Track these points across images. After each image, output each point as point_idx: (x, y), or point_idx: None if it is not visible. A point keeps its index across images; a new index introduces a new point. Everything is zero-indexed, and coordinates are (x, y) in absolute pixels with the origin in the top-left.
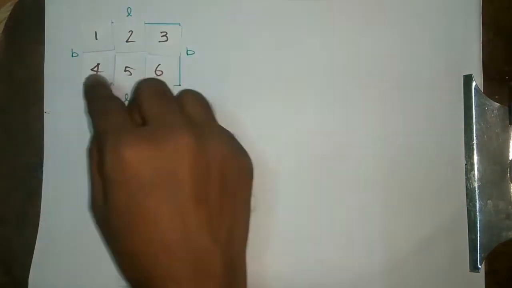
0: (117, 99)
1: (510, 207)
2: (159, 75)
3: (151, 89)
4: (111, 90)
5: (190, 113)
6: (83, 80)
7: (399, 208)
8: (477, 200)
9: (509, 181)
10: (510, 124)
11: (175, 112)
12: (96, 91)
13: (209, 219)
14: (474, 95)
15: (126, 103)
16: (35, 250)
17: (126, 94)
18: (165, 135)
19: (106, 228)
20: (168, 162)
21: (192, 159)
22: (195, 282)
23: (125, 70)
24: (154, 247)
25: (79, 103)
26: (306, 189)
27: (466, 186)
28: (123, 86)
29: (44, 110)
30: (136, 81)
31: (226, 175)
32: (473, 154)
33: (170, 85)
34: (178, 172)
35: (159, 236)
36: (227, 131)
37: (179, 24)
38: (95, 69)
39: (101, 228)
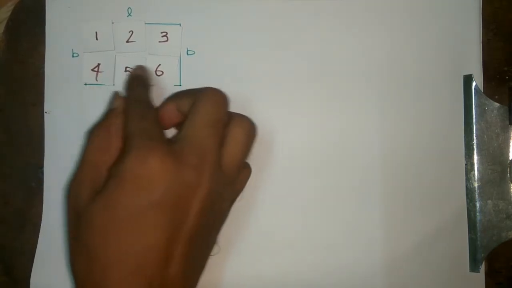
0: (154, 109)
1: (510, 207)
2: (159, 75)
3: (209, 112)
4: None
5: (228, 154)
6: (83, 80)
7: (399, 208)
8: (477, 200)
9: (509, 181)
10: (510, 124)
11: (210, 146)
12: (139, 88)
13: (187, 259)
14: (474, 95)
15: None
16: (36, 251)
17: None
18: (192, 164)
19: (78, 217)
20: (184, 189)
21: (205, 197)
22: None
23: (126, 70)
24: (122, 260)
25: (79, 103)
26: (306, 189)
27: (466, 186)
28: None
29: (44, 110)
30: (205, 88)
31: (215, 222)
32: (473, 154)
33: (170, 85)
34: (191, 202)
35: (134, 250)
36: (243, 183)
37: (179, 24)
38: (96, 69)
39: (70, 214)
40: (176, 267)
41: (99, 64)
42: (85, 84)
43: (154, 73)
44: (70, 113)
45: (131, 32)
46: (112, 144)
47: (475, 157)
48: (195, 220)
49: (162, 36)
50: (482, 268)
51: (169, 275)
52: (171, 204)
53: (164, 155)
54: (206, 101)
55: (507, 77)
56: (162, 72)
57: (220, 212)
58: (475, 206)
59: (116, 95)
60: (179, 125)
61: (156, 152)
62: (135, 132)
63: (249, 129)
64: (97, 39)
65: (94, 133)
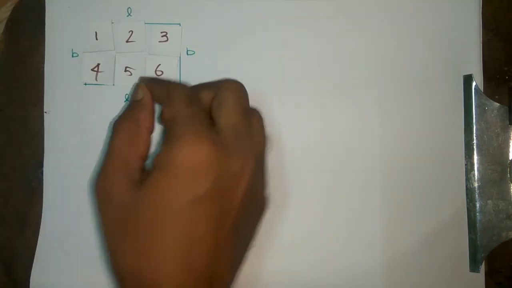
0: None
1: (510, 207)
2: (159, 75)
3: (239, 102)
4: None
5: (254, 140)
6: (83, 80)
7: (399, 208)
8: (477, 200)
9: (509, 181)
10: (510, 124)
11: (248, 135)
12: (172, 81)
13: (233, 251)
14: (474, 95)
15: (126, 103)
16: (36, 251)
17: (126, 94)
18: (237, 154)
19: (121, 211)
20: (230, 179)
21: (248, 186)
22: None
23: (125, 70)
24: (172, 256)
25: (79, 103)
26: (307, 189)
27: (466, 186)
28: (123, 86)
29: (44, 110)
30: (226, 80)
31: (255, 210)
32: (473, 154)
33: None
34: (236, 192)
35: (184, 244)
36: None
37: (179, 24)
38: (95, 69)
39: (105, 208)
40: (223, 262)
41: (98, 64)
42: (85, 84)
43: (154, 73)
44: (70, 113)
45: (131, 32)
46: (141, 135)
47: (475, 157)
48: (240, 210)
49: (162, 36)
50: (482, 268)
51: (217, 271)
52: (219, 195)
53: (213, 144)
54: (233, 92)
55: (507, 77)
56: (162, 72)
57: (260, 202)
58: (475, 206)
59: (139, 86)
60: None
61: (206, 141)
62: (182, 118)
63: (261, 117)
64: (97, 39)
65: (121, 126)
